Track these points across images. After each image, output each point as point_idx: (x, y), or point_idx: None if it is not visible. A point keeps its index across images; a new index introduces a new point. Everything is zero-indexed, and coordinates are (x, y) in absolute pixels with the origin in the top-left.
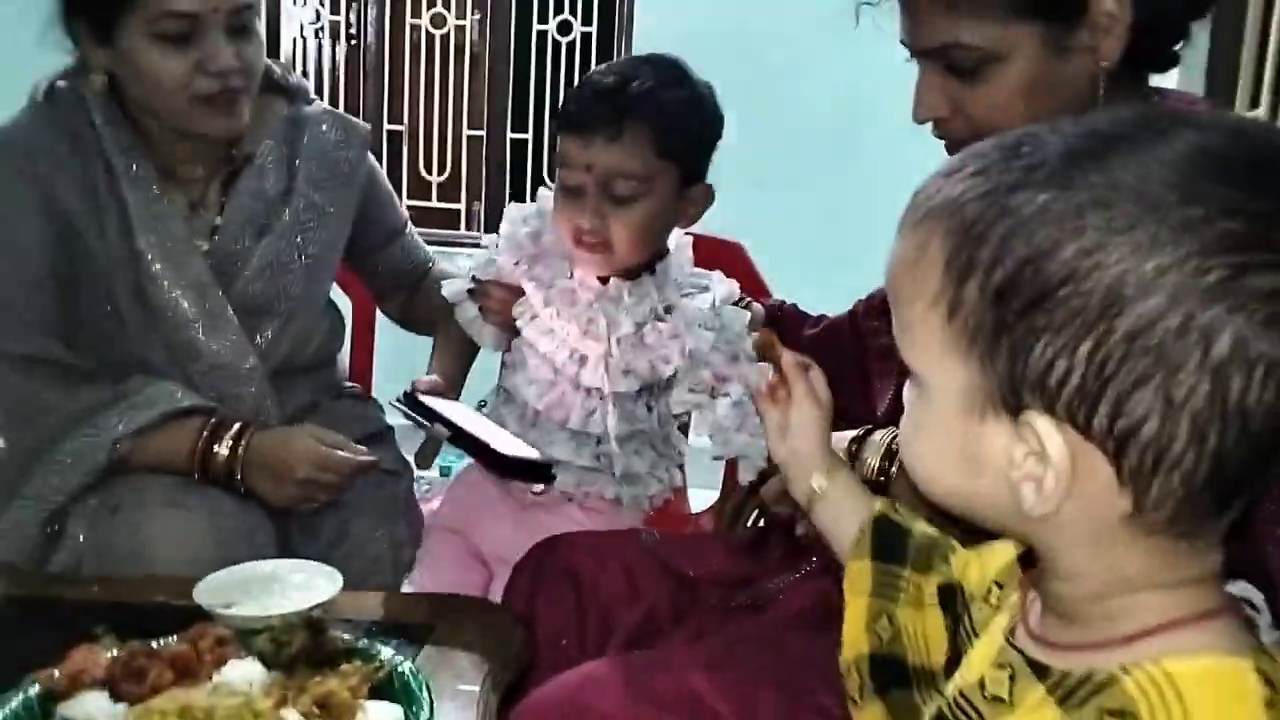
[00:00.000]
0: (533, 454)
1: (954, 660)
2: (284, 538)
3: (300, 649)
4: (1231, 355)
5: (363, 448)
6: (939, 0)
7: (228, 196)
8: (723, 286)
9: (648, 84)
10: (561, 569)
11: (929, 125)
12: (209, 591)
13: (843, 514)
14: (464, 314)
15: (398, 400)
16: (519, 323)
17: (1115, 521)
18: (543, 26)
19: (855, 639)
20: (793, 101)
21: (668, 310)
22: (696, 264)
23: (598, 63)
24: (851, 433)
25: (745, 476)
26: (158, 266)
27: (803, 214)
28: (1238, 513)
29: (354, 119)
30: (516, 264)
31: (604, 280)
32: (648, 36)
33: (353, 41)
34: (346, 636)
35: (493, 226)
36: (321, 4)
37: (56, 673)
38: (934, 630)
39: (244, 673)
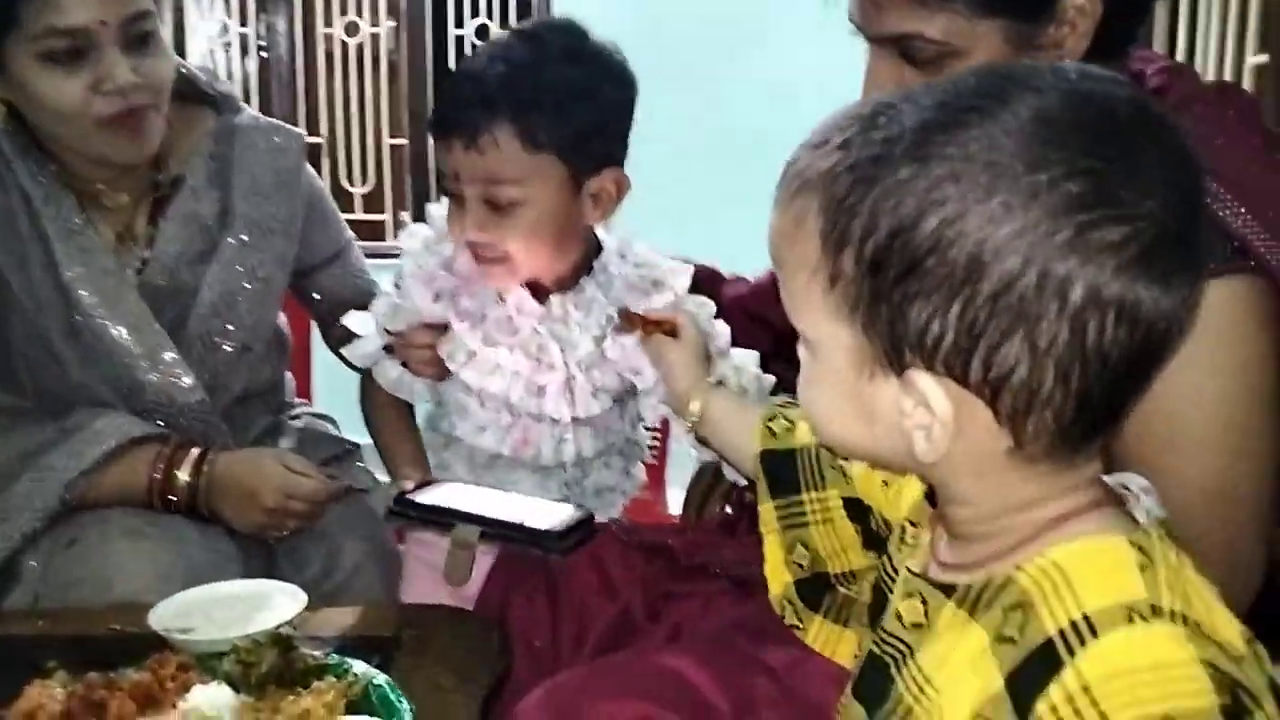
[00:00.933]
0: (573, 513)
1: (877, 600)
2: (269, 569)
3: (270, 669)
4: (1085, 303)
5: (333, 474)
6: None
7: (156, 225)
8: (679, 278)
9: (510, 70)
10: (534, 567)
11: None
12: (165, 617)
13: (724, 432)
14: (386, 376)
15: (392, 511)
16: (452, 365)
17: (1000, 456)
18: (460, 31)
19: (778, 574)
20: (716, 101)
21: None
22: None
23: None
24: None
25: (731, 475)
26: (90, 301)
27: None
28: (1109, 434)
29: (288, 125)
30: (436, 298)
31: (540, 297)
32: None
33: (263, 54)
34: (316, 654)
35: None
36: (229, 16)
37: (8, 714)
38: (848, 539)
39: (211, 697)
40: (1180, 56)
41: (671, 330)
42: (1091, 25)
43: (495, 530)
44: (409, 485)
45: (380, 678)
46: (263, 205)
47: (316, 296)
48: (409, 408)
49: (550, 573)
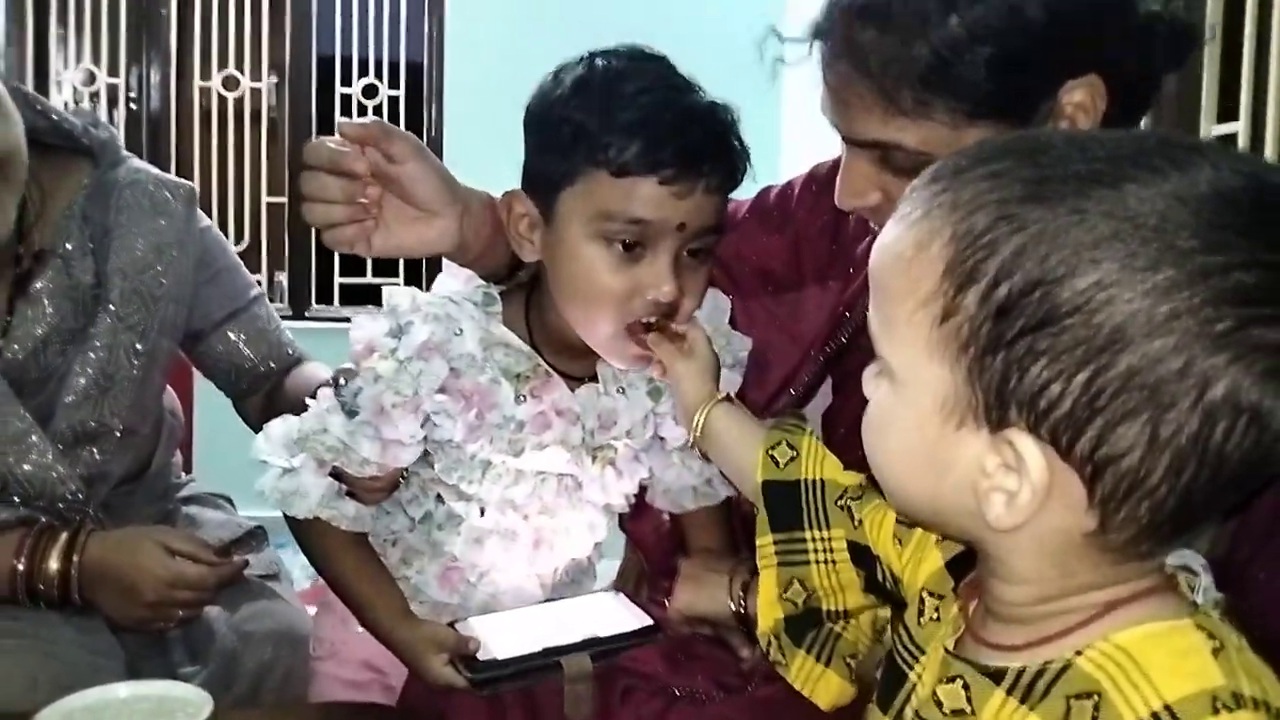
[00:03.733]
0: (627, 600)
1: (894, 679)
2: (166, 668)
3: None
4: (1223, 402)
5: (222, 556)
6: (876, 98)
7: (15, 309)
8: (708, 301)
9: (730, 112)
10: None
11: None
12: None
13: (725, 448)
14: (345, 516)
15: (479, 681)
16: (461, 483)
17: (1074, 537)
18: (346, 90)
19: (770, 609)
20: None
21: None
22: None
23: (408, 127)
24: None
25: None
26: None
27: None
28: (1193, 534)
29: (174, 178)
30: (425, 422)
31: (573, 384)
32: (458, 95)
33: (133, 106)
34: None
35: (298, 300)
36: (97, 65)
37: None
38: (848, 581)
39: None
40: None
41: (683, 342)
42: (1093, 123)
43: (599, 649)
44: (468, 645)
45: None
46: (145, 273)
47: (212, 354)
48: (366, 539)
49: None
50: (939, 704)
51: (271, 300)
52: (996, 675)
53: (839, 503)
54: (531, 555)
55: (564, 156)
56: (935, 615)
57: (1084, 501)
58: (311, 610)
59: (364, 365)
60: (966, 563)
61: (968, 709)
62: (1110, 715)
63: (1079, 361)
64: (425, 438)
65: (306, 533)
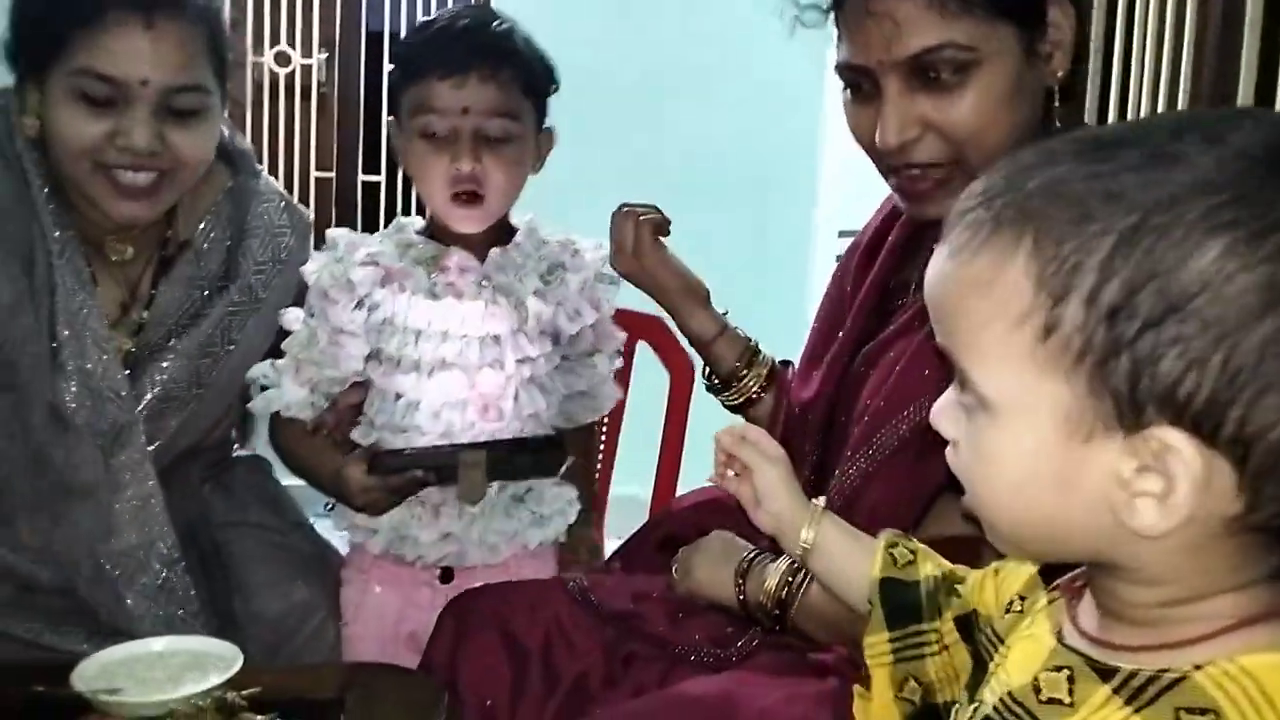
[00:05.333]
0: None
1: (979, 674)
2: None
3: None
4: None
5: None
6: (927, 5)
7: (158, 289)
8: (595, 254)
9: (506, 24)
10: (487, 621)
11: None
12: (90, 677)
13: (835, 560)
14: (305, 414)
15: (380, 466)
16: (397, 371)
17: (1218, 526)
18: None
19: (886, 712)
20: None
21: (550, 271)
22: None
23: None
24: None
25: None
26: (71, 368)
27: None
28: None
29: (298, 204)
30: (358, 306)
31: (478, 255)
32: None
33: None
34: (258, 718)
35: None
36: None
37: None
38: (961, 663)
39: None
40: None
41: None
42: (1071, 45)
43: (497, 449)
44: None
45: None
46: (259, 274)
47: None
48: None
49: (505, 629)
50: (1037, 690)
51: None
52: (1106, 673)
53: (954, 588)
54: (480, 414)
55: (401, 74)
56: (1019, 609)
57: (1234, 485)
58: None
59: (308, 271)
60: (1057, 569)
61: (1067, 700)
62: None
63: (1211, 344)
64: (366, 328)
65: (281, 430)
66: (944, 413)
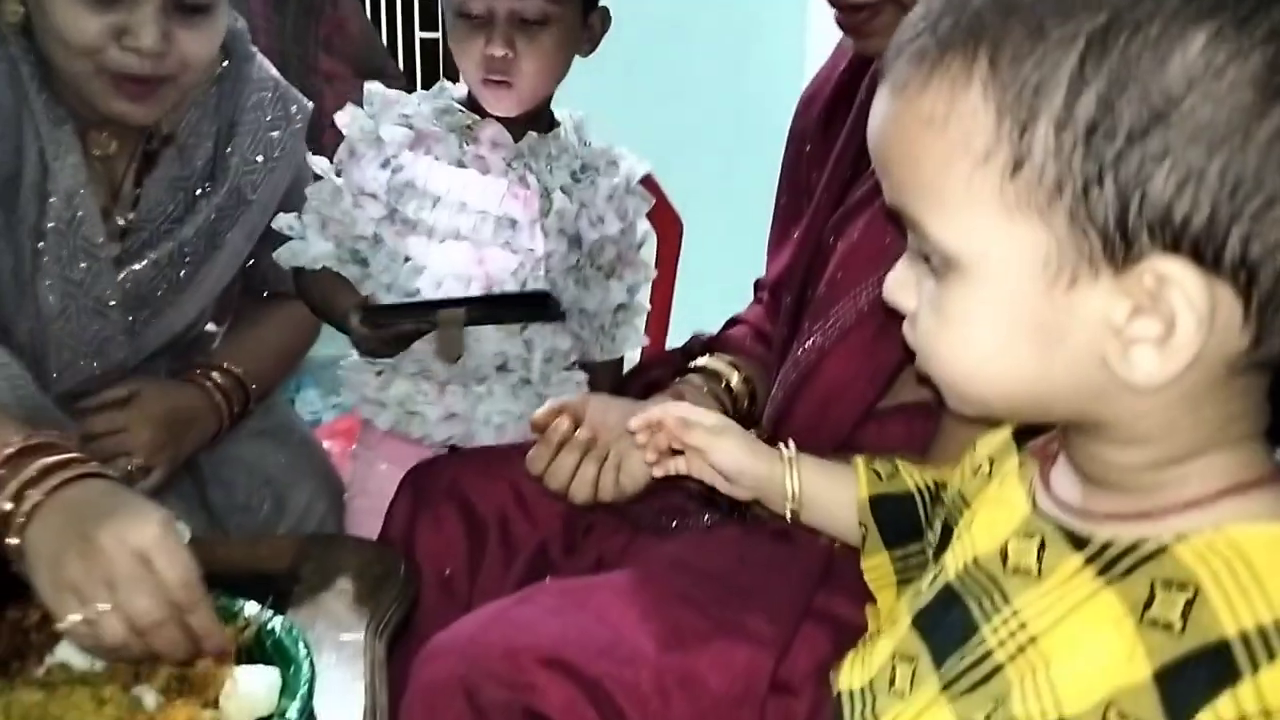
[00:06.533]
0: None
1: (945, 540)
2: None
3: None
4: None
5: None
6: None
7: (143, 188)
8: (633, 165)
9: None
10: (445, 489)
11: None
12: None
13: (826, 505)
14: (323, 256)
15: (365, 320)
16: (409, 229)
17: (1220, 368)
18: None
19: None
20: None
21: (583, 170)
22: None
23: None
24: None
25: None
26: (52, 278)
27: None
28: None
29: (296, 92)
30: (384, 165)
31: (515, 136)
32: None
33: None
34: None
35: None
36: None
37: None
38: None
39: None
40: None
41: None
42: None
43: (480, 308)
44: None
45: (275, 620)
46: (248, 175)
47: (253, 263)
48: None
49: (463, 497)
50: (1004, 558)
51: None
52: (1078, 541)
53: (938, 496)
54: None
55: None
56: (988, 471)
57: (1239, 315)
58: (327, 444)
59: (342, 123)
60: (1029, 431)
61: (1034, 569)
62: (1205, 616)
63: (1205, 153)
64: (387, 188)
65: (305, 278)
66: (898, 283)
